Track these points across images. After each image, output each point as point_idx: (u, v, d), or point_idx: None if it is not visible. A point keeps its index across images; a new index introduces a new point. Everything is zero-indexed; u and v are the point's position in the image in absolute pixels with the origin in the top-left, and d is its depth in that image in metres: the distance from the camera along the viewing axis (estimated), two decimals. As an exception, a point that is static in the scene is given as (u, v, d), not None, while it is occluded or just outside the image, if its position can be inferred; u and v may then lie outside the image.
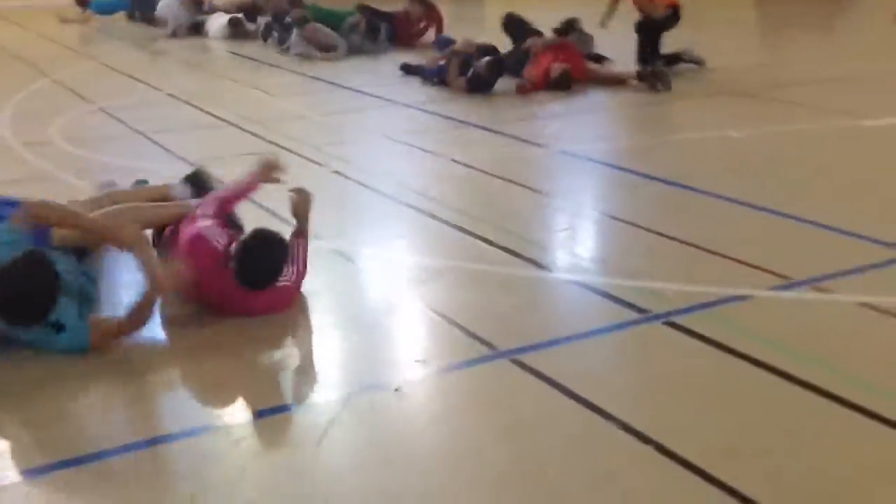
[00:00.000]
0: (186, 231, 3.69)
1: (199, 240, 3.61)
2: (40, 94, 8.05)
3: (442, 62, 8.19)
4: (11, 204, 3.57)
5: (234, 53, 10.68)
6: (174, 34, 11.69)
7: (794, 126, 6.45)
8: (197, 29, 11.81)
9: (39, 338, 3.30)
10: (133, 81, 8.70)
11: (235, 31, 11.35)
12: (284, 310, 3.66)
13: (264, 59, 10.07)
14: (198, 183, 4.33)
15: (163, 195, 4.20)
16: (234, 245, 3.56)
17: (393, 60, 9.34)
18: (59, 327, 3.28)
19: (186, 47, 11.14)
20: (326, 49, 9.92)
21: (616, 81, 7.90)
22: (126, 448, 2.76)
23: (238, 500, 2.52)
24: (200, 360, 3.35)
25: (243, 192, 4.05)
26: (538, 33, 8.44)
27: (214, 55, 10.91)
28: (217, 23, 11.59)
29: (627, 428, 2.75)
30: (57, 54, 10.68)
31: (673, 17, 8.20)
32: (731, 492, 2.45)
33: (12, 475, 2.66)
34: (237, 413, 3.02)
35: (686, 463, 2.58)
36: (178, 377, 3.32)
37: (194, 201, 4.01)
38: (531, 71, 7.77)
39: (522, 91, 7.67)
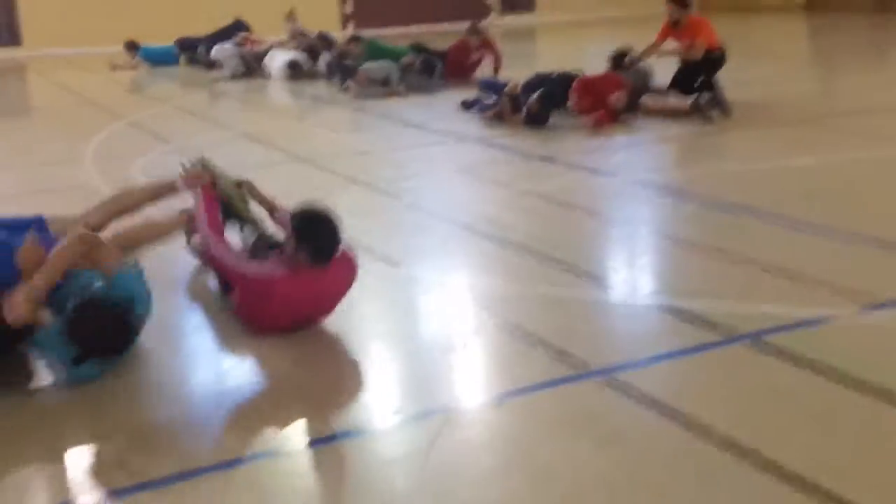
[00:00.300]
0: (238, 286, 3.83)
1: (253, 283, 3.73)
2: (118, 135, 8.37)
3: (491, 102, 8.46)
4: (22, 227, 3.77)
5: (296, 93, 11.00)
6: (234, 76, 12.06)
7: (858, 154, 6.50)
8: (252, 70, 12.18)
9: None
10: (204, 122, 9.02)
11: (295, 72, 11.70)
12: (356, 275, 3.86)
13: (326, 98, 10.37)
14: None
15: (171, 187, 4.37)
16: (286, 244, 3.75)
17: (448, 97, 9.58)
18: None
19: (248, 89, 11.49)
20: (384, 83, 10.19)
21: (675, 113, 8.01)
22: (204, 470, 2.88)
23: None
24: (288, 378, 3.50)
25: (212, 209, 4.15)
26: (571, 77, 8.34)
27: (277, 95, 11.25)
28: (277, 63, 11.93)
29: (726, 441, 2.83)
30: (126, 98, 11.10)
31: (717, 58, 8.31)
32: (835, 500, 2.52)
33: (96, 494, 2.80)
34: (342, 425, 3.15)
35: (787, 474, 2.65)
36: (263, 399, 3.42)
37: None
38: (593, 117, 7.85)
39: (598, 127, 7.76)
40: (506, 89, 8.39)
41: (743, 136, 7.47)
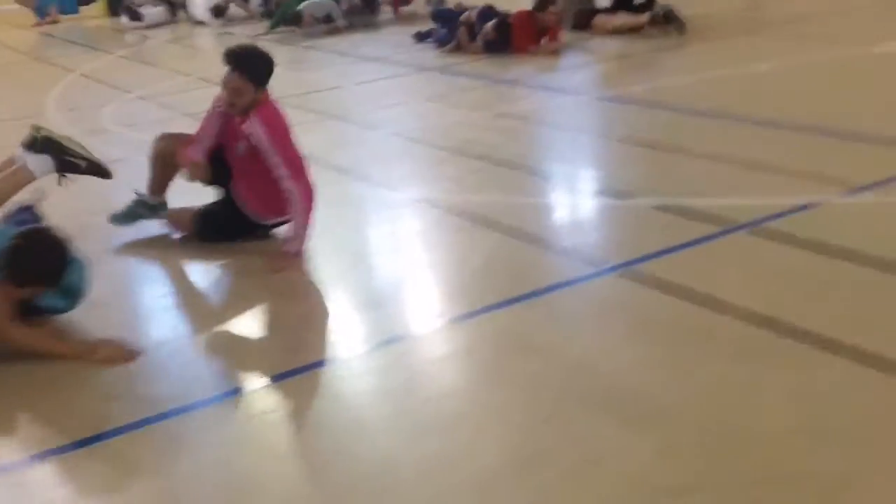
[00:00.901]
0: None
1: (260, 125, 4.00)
2: (75, 87, 8.24)
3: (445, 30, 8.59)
4: None
5: (237, 35, 10.89)
6: (158, 23, 11.95)
7: (812, 57, 6.88)
8: (175, 15, 12.16)
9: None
10: (156, 69, 8.92)
11: (221, 16, 11.69)
12: None
13: (274, 38, 10.29)
14: (47, 147, 3.92)
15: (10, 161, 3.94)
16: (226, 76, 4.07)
17: (397, 31, 9.68)
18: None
19: (182, 35, 11.38)
20: (327, 20, 10.22)
21: (630, 30, 8.23)
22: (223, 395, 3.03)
23: (384, 414, 2.84)
24: (316, 295, 3.67)
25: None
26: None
27: (218, 40, 11.10)
28: (199, 6, 11.83)
29: (747, 315, 3.10)
30: (68, 51, 10.85)
31: None
32: (862, 353, 2.80)
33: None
34: (358, 345, 3.31)
35: (810, 337, 2.93)
36: (255, 326, 3.60)
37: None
38: (546, 44, 8.01)
39: (553, 48, 7.91)
40: (461, 18, 8.49)
41: (696, 49, 7.74)
